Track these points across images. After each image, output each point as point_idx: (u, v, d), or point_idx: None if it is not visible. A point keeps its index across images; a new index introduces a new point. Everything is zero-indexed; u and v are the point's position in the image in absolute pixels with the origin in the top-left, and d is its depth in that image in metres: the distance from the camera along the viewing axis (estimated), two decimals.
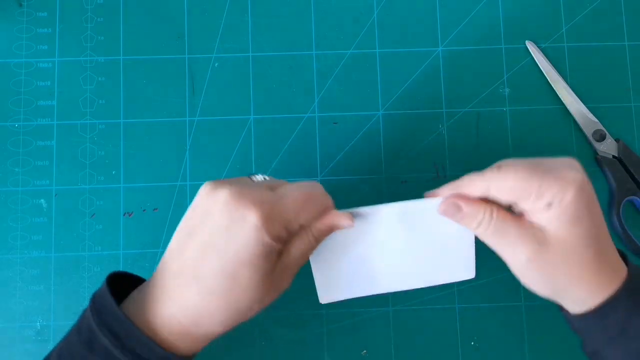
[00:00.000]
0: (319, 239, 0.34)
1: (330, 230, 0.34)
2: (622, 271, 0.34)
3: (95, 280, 0.43)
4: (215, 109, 0.45)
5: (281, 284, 0.33)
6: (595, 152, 0.45)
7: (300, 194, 0.32)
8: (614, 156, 0.44)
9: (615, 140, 0.44)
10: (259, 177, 0.34)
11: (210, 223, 0.31)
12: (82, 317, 0.33)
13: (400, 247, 0.37)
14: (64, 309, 0.43)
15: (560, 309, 0.36)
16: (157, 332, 0.31)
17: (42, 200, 0.44)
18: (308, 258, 0.35)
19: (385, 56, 0.45)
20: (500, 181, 0.33)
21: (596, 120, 0.45)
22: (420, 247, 0.37)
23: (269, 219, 0.30)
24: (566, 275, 0.33)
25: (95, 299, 0.32)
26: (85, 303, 0.42)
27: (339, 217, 0.34)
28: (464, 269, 0.38)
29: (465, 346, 0.42)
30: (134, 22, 0.45)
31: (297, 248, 0.33)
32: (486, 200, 0.34)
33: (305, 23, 0.46)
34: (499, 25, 0.46)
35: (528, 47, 0.46)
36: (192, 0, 0.46)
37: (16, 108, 0.44)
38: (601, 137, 0.44)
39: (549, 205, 0.32)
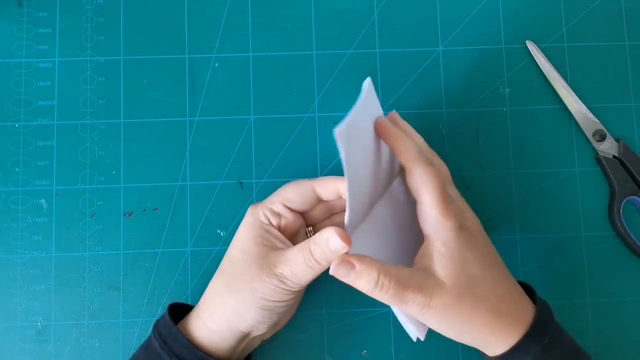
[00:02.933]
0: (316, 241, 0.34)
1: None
2: (529, 311, 0.34)
3: (96, 280, 0.43)
4: (215, 109, 0.45)
5: (285, 272, 0.35)
6: (595, 152, 0.45)
7: (285, 185, 0.39)
8: (614, 156, 0.44)
9: (615, 140, 0.44)
10: None
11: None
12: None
13: None
14: (64, 308, 0.43)
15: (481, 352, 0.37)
16: (196, 340, 0.37)
17: (42, 200, 0.44)
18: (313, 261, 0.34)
19: (385, 56, 0.45)
20: (413, 178, 0.33)
21: (596, 120, 0.45)
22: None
23: (256, 206, 0.38)
24: (463, 322, 0.33)
25: (159, 319, 0.38)
26: (86, 302, 0.42)
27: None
28: None
29: (465, 346, 0.42)
30: (134, 22, 0.45)
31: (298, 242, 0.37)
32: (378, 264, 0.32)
33: (305, 23, 0.46)
34: (499, 25, 0.46)
35: (528, 47, 0.46)
36: (192, 0, 0.46)
37: (16, 108, 0.44)
38: (601, 137, 0.44)
39: (429, 236, 0.33)
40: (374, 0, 0.46)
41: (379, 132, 0.34)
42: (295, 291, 0.36)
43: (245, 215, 0.38)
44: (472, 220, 0.35)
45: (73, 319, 0.43)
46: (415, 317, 0.33)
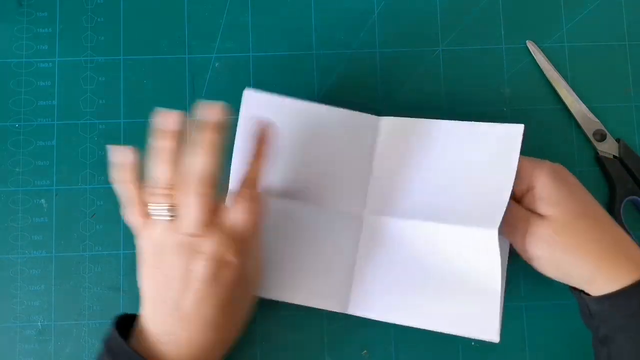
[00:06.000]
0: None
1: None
2: None
3: (96, 280, 0.43)
4: None
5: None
6: (595, 152, 0.45)
7: (250, 220, 0.36)
8: (614, 156, 0.44)
9: (615, 140, 0.44)
10: (161, 210, 0.35)
11: (198, 272, 0.34)
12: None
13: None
14: (64, 308, 0.43)
15: (577, 295, 0.37)
16: None
17: (42, 200, 0.44)
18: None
19: (385, 56, 0.45)
20: None
21: (597, 120, 0.45)
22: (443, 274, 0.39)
23: (242, 254, 0.35)
24: (570, 255, 0.36)
25: (108, 343, 0.35)
26: (86, 302, 0.42)
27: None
28: (485, 327, 0.38)
29: (465, 346, 0.42)
30: (134, 22, 0.45)
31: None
32: None
33: (305, 23, 0.46)
34: (499, 25, 0.46)
35: (528, 47, 0.46)
36: (192, 0, 0.46)
37: (16, 108, 0.44)
38: (602, 137, 0.44)
39: (529, 188, 0.37)
40: (374, 0, 0.46)
41: None
42: None
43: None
44: (565, 170, 0.38)
45: (73, 319, 0.43)
46: (522, 251, 0.37)
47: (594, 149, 0.45)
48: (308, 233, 0.40)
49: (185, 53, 0.45)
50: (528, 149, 0.44)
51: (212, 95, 0.45)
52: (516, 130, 0.38)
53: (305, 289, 0.40)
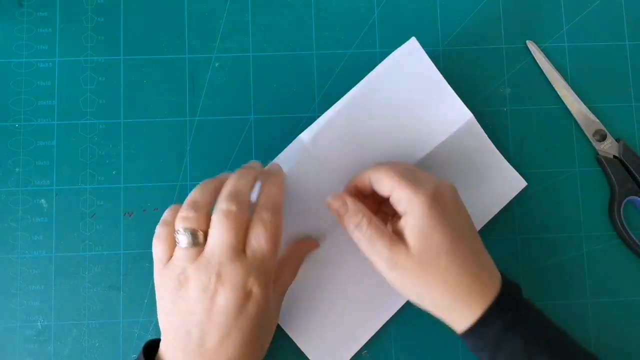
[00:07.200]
0: (297, 268, 0.41)
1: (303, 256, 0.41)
2: (495, 289, 0.35)
3: (96, 280, 0.43)
4: (215, 109, 0.45)
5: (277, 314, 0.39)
6: (596, 152, 0.45)
7: (271, 247, 0.34)
8: (614, 156, 0.44)
9: (616, 140, 0.44)
10: (185, 237, 0.34)
11: (222, 306, 0.33)
12: None
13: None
14: (64, 308, 0.43)
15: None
16: None
17: (42, 200, 0.44)
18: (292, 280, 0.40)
19: (385, 56, 0.45)
20: (376, 175, 0.36)
21: (597, 120, 0.45)
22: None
23: (267, 286, 0.34)
24: (425, 287, 0.35)
25: None
26: (86, 302, 0.42)
27: (307, 246, 0.41)
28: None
29: (465, 346, 0.43)
30: (134, 22, 0.45)
31: (281, 282, 0.39)
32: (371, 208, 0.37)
33: (305, 23, 0.46)
34: (499, 25, 0.46)
35: (529, 47, 0.46)
36: (192, 0, 0.46)
37: (16, 108, 0.44)
38: (602, 137, 0.44)
39: (404, 213, 0.35)
40: (374, 0, 0.46)
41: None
42: None
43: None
44: (446, 194, 0.35)
45: (73, 319, 0.43)
46: (381, 273, 0.36)
47: (594, 149, 0.45)
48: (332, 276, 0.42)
49: (185, 53, 0.45)
50: (529, 150, 0.45)
51: (212, 95, 0.45)
52: (412, 45, 0.41)
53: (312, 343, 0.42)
